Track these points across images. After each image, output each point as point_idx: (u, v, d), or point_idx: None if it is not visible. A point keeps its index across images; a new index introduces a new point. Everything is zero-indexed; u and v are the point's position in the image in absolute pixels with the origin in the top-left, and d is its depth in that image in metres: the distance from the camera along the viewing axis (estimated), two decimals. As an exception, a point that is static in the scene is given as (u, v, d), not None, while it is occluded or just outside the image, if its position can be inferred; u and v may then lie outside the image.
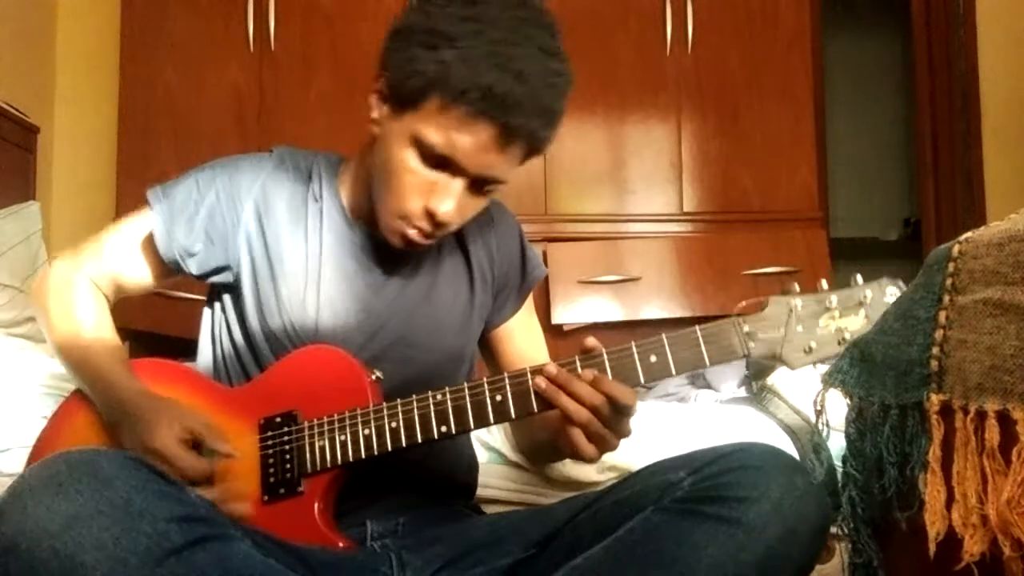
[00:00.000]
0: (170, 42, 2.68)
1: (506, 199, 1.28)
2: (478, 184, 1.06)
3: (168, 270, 1.20)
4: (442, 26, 1.00)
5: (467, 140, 1.01)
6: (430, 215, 1.06)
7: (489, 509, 1.29)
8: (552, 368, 0.99)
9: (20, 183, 2.61)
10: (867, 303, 0.98)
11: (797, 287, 1.00)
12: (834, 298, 0.98)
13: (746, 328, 0.99)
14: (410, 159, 1.04)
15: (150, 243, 1.18)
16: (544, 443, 1.20)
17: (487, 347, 1.28)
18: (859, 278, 1.00)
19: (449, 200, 1.05)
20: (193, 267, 1.17)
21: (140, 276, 1.22)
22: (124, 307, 2.49)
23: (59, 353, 1.19)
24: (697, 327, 1.00)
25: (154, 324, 2.42)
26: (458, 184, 1.05)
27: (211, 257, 1.17)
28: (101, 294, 1.22)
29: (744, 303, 1.02)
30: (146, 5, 2.70)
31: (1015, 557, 0.68)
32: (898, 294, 0.97)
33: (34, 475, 0.80)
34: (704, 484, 0.92)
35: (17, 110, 2.58)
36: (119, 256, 1.21)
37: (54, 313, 1.19)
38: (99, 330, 1.18)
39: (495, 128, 1.00)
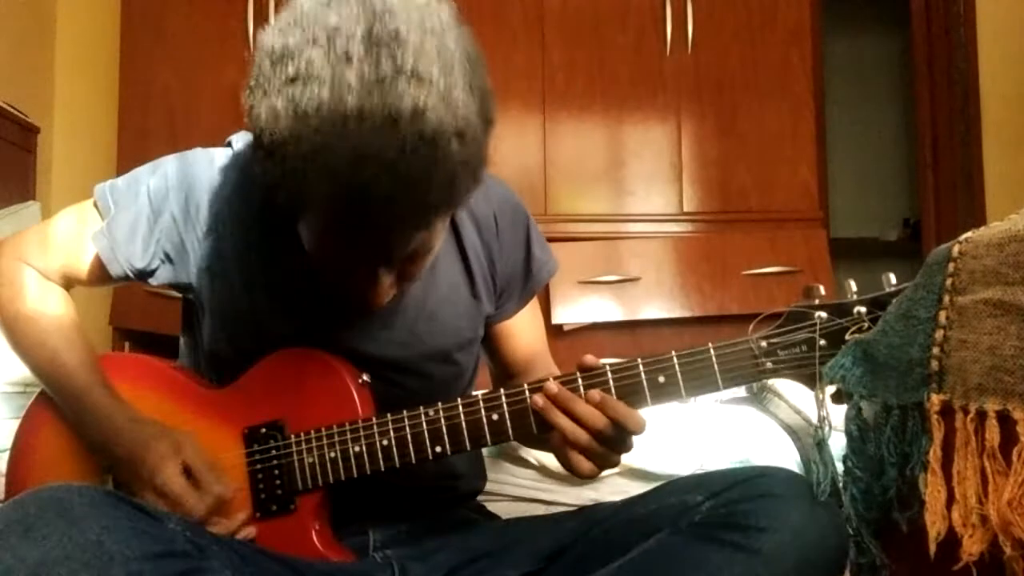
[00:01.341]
0: (169, 43, 2.68)
1: (507, 198, 1.26)
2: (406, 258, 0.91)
3: (120, 279, 1.11)
4: (261, 121, 0.80)
5: (352, 250, 0.86)
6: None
7: (487, 503, 1.28)
8: (552, 386, 0.92)
9: (20, 183, 2.61)
10: None
11: (823, 290, 0.90)
12: (863, 308, 0.88)
13: (764, 345, 0.89)
14: (316, 255, 0.92)
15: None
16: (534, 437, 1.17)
17: (487, 342, 1.22)
18: (892, 278, 0.89)
19: (378, 297, 0.92)
20: (151, 281, 1.09)
21: (90, 278, 1.12)
22: (124, 307, 2.50)
23: (16, 351, 1.11)
24: (711, 345, 0.90)
25: (152, 324, 2.42)
26: (379, 272, 0.90)
27: (169, 274, 1.08)
28: (55, 285, 1.12)
29: (763, 315, 0.93)
30: (145, 5, 2.70)
31: (1016, 556, 0.68)
32: None
33: (1, 518, 0.77)
34: (722, 510, 0.90)
35: (17, 110, 2.57)
36: (67, 256, 1.11)
37: (6, 307, 1.10)
38: (61, 329, 1.09)
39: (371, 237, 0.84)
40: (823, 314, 0.89)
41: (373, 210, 0.79)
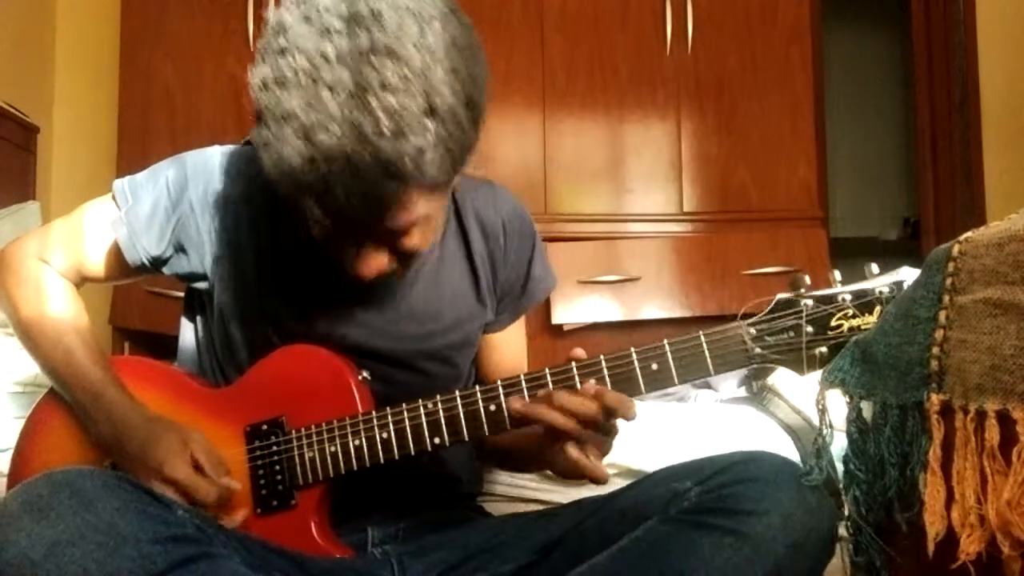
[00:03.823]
0: (169, 41, 2.68)
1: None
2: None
3: (137, 270, 1.13)
4: (255, 90, 0.86)
5: (328, 217, 0.88)
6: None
7: (485, 504, 1.28)
8: (518, 404, 0.95)
9: (20, 183, 2.60)
10: (883, 299, 0.90)
11: (808, 279, 0.93)
12: (847, 295, 0.92)
13: (752, 331, 0.93)
14: (313, 227, 0.93)
15: (116, 244, 1.11)
16: (512, 450, 1.17)
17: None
18: (874, 267, 0.93)
19: (364, 266, 0.94)
20: (164, 270, 1.11)
21: (107, 272, 1.15)
22: (124, 307, 2.50)
23: (32, 350, 1.12)
24: (701, 333, 0.94)
25: (152, 324, 2.42)
26: (371, 248, 0.93)
27: (183, 264, 1.11)
28: (70, 284, 1.15)
29: (751, 303, 0.95)
30: (145, 5, 2.70)
31: (1014, 556, 0.68)
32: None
33: (15, 499, 0.79)
34: (711, 495, 0.90)
35: (17, 110, 2.57)
36: (84, 250, 1.14)
37: (23, 305, 1.12)
38: (77, 330, 1.11)
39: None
40: (809, 301, 0.92)
41: (341, 177, 0.82)
